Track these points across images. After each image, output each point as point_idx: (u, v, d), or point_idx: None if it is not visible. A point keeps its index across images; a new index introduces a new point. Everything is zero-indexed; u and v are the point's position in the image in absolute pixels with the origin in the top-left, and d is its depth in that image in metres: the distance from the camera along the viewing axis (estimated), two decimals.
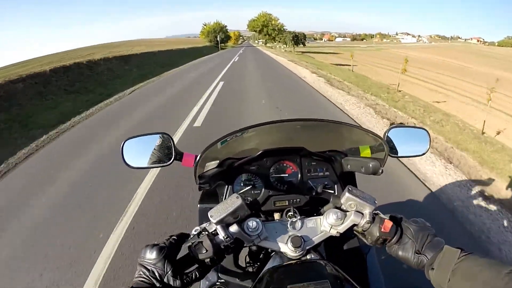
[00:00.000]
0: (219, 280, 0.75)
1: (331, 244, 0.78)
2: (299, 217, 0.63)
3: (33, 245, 2.17)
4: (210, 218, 0.54)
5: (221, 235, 0.54)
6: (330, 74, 10.45)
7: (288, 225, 0.62)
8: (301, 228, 0.62)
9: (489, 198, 2.45)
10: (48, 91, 8.52)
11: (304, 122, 0.79)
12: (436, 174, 2.89)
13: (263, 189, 0.80)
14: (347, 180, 0.85)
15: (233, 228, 0.56)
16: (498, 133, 5.15)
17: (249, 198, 0.79)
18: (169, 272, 0.51)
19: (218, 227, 0.55)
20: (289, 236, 0.60)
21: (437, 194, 2.59)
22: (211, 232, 0.56)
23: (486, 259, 0.47)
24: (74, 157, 3.87)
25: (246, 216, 0.58)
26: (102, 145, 4.22)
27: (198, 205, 0.85)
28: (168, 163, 0.75)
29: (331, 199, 0.65)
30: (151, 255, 0.51)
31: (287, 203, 0.79)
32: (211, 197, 0.85)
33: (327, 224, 0.60)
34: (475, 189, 2.62)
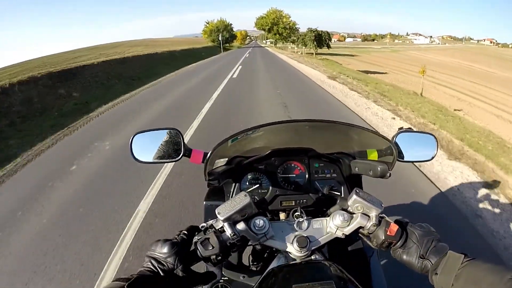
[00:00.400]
0: (223, 278, 0.76)
1: (335, 246, 0.78)
2: (305, 218, 0.64)
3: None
4: (218, 215, 0.55)
5: (228, 232, 0.55)
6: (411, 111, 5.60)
7: (295, 225, 0.63)
8: (307, 228, 0.63)
9: None
10: None
11: (313, 123, 0.79)
12: None
13: (270, 188, 0.81)
14: (354, 182, 0.85)
15: (240, 226, 0.56)
16: None
17: (256, 197, 0.79)
18: (179, 267, 0.52)
19: (225, 224, 0.55)
20: (295, 236, 0.60)
21: None
22: (218, 229, 0.56)
23: (490, 265, 0.48)
24: None
25: (253, 214, 0.58)
26: None
27: (204, 202, 0.86)
28: (177, 159, 0.75)
29: (338, 201, 0.65)
30: (162, 249, 0.53)
31: (293, 203, 0.79)
32: (217, 194, 0.85)
33: (333, 226, 0.61)
34: None
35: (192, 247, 0.55)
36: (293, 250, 0.59)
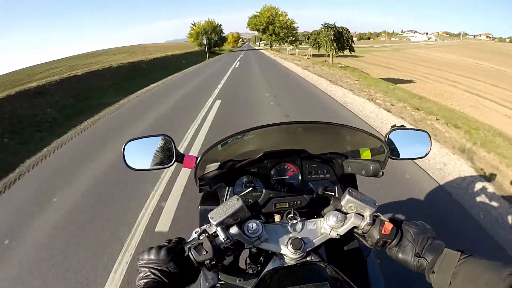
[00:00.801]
0: (219, 282, 0.76)
1: (332, 246, 0.78)
2: (299, 219, 0.64)
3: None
4: (211, 220, 0.55)
5: (221, 236, 0.55)
6: None
7: (289, 227, 0.63)
8: (301, 230, 0.63)
9: None
10: None
11: (305, 125, 0.79)
12: None
13: (263, 191, 0.81)
14: (348, 182, 0.85)
15: (233, 230, 0.56)
16: None
17: (249, 200, 0.79)
18: (181, 270, 0.52)
19: (218, 228, 0.55)
20: (289, 238, 0.60)
21: None
22: (211, 233, 0.56)
23: (487, 261, 0.47)
24: None
25: (247, 218, 0.58)
26: None
27: (199, 207, 0.86)
28: (169, 165, 0.75)
29: (331, 201, 0.65)
30: (160, 256, 0.52)
31: (287, 205, 0.79)
32: (211, 198, 0.85)
33: (327, 226, 0.61)
34: None
35: (186, 253, 0.55)
36: (288, 252, 0.59)
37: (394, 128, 0.78)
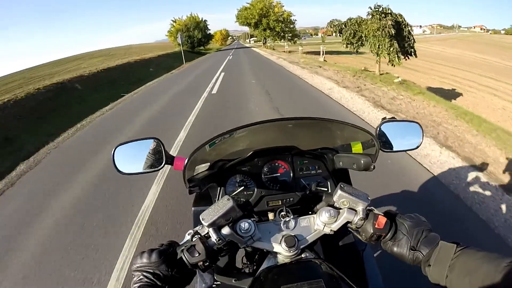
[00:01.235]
0: (215, 283, 0.75)
1: (327, 242, 0.77)
2: (292, 217, 0.63)
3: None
4: (202, 221, 0.54)
5: (213, 237, 0.54)
6: None
7: (281, 225, 0.62)
8: (294, 227, 0.62)
9: None
10: None
11: (294, 121, 0.78)
12: None
13: (255, 190, 0.80)
14: (341, 176, 0.85)
15: (225, 230, 0.55)
16: None
17: (242, 199, 0.79)
18: (173, 272, 0.52)
19: (210, 229, 0.55)
20: (283, 236, 0.59)
21: None
22: (204, 235, 0.56)
23: (483, 253, 0.46)
24: None
25: (239, 217, 0.58)
26: None
27: (193, 208, 0.85)
28: (159, 167, 0.75)
29: (323, 197, 0.64)
30: (151, 259, 0.52)
31: (280, 203, 0.79)
32: (205, 199, 0.85)
33: (320, 223, 0.60)
34: None
35: (179, 255, 0.54)
36: (282, 250, 0.59)
37: (385, 120, 0.77)
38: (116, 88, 11.29)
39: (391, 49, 11.65)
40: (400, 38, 11.87)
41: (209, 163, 0.80)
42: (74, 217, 2.63)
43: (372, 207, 0.59)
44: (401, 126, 0.81)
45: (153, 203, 2.63)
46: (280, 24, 37.89)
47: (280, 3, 39.17)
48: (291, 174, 0.83)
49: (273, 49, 31.35)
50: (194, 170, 0.77)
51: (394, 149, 0.78)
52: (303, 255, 0.60)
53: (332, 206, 0.61)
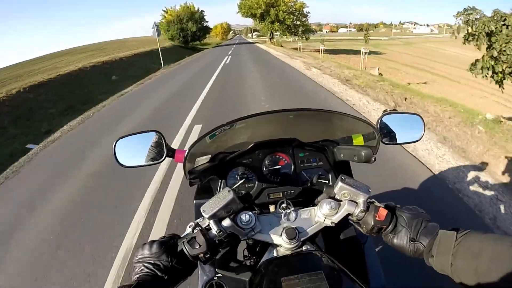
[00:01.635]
0: (216, 275, 0.76)
1: (329, 235, 0.78)
2: (292, 209, 0.64)
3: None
4: (203, 213, 0.54)
5: (214, 229, 0.54)
6: None
7: (282, 217, 0.62)
8: (295, 219, 0.62)
9: None
10: None
11: (295, 112, 0.78)
12: None
13: (256, 182, 0.80)
14: (342, 169, 0.85)
15: (226, 223, 0.56)
16: None
17: (242, 191, 0.79)
18: (174, 262, 0.52)
19: (211, 221, 0.55)
20: (283, 228, 0.59)
21: None
22: (205, 227, 0.56)
23: (485, 235, 0.46)
24: None
25: (239, 209, 0.58)
26: None
27: (194, 201, 0.85)
28: (160, 160, 0.75)
29: (324, 189, 0.64)
30: (152, 250, 0.53)
31: (281, 195, 0.79)
32: (206, 192, 0.85)
33: (321, 215, 0.60)
34: None
35: (180, 248, 0.55)
36: (283, 242, 0.59)
37: (386, 112, 0.77)
38: (27, 127, 6.39)
39: None
40: None
41: (210, 156, 0.80)
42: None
43: (373, 199, 0.59)
44: (402, 118, 0.80)
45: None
46: (291, 16, 31.90)
47: None
48: (292, 167, 0.82)
49: (281, 46, 27.16)
50: (194, 162, 0.77)
51: (394, 141, 0.77)
52: (303, 247, 0.60)
53: (333, 198, 0.61)
